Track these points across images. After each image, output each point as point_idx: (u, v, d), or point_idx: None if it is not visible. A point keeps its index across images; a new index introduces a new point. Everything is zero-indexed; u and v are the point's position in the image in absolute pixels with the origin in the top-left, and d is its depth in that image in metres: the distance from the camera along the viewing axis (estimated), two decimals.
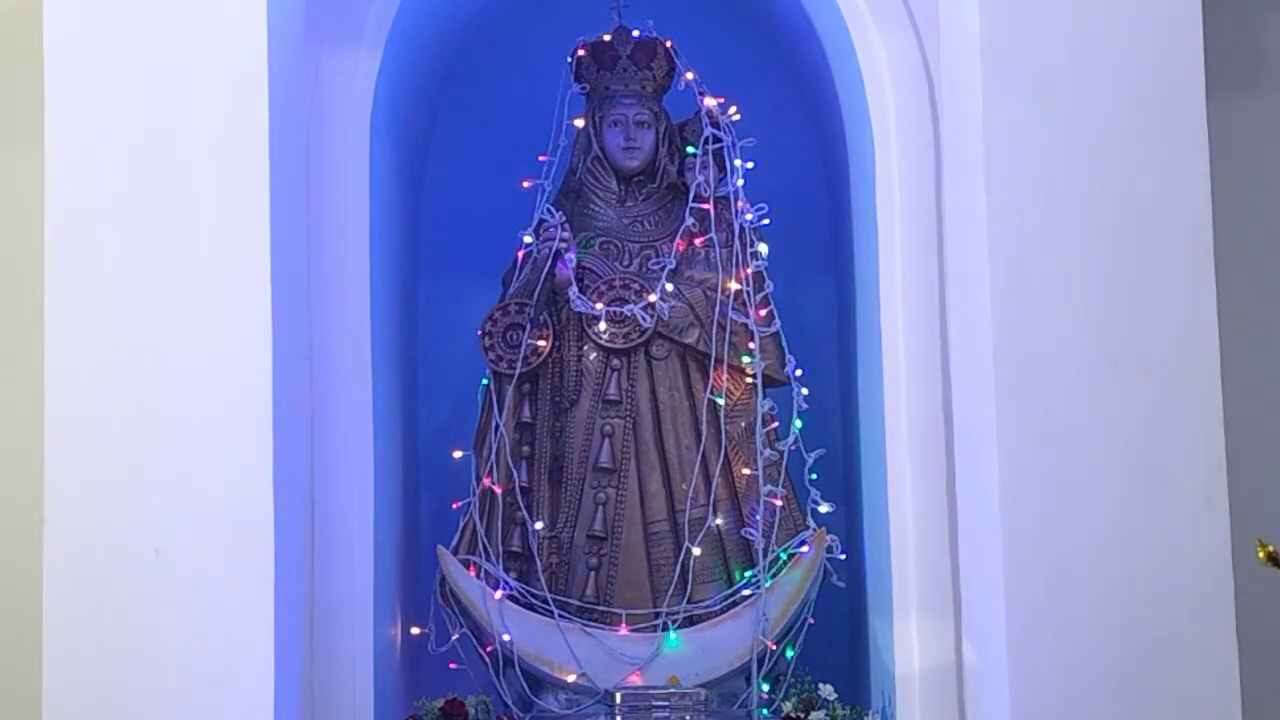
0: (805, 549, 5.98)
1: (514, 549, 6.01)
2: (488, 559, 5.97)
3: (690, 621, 5.96)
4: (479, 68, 6.72)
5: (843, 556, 6.02)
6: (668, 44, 6.25)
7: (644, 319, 6.05)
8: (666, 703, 5.80)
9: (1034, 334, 5.04)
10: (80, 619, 4.92)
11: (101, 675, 4.91)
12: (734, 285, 6.07)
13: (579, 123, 6.24)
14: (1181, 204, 5.07)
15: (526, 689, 5.92)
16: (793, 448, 6.05)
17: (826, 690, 5.81)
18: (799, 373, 6.09)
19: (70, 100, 5.08)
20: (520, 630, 5.91)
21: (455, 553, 5.98)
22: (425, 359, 6.56)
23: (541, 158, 6.18)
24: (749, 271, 6.08)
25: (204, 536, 4.95)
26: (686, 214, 6.15)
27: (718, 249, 6.12)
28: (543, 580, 5.98)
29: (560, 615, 5.93)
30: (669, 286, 6.08)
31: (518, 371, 6.05)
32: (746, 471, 6.04)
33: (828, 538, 6.01)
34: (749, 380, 6.08)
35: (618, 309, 6.07)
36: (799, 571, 5.96)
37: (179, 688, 4.91)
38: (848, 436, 6.36)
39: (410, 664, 6.10)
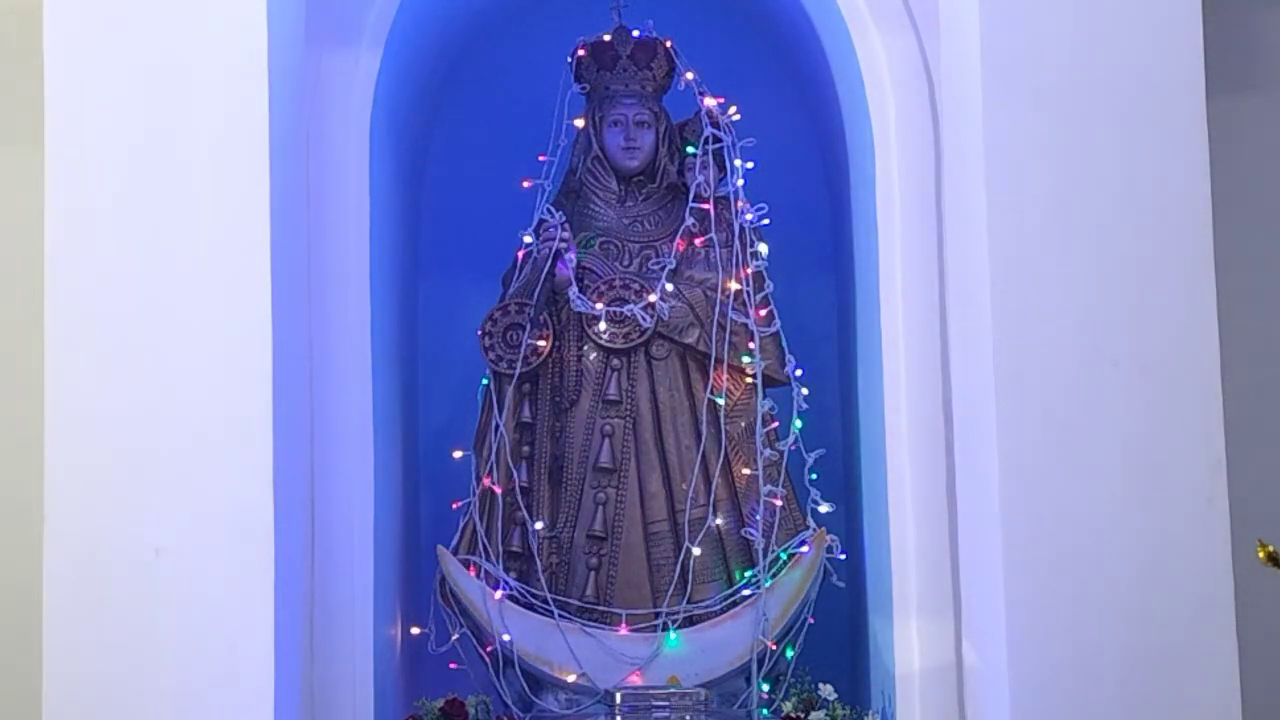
0: (805, 549, 5.98)
1: (514, 549, 6.01)
2: (488, 559, 5.97)
3: (690, 621, 5.96)
4: (479, 68, 6.72)
5: (843, 556, 6.02)
6: (668, 44, 6.25)
7: (644, 319, 6.05)
8: (666, 703, 5.80)
9: (1034, 334, 5.04)
10: (80, 619, 4.92)
11: (101, 675, 4.91)
12: (734, 285, 6.07)
13: (579, 123, 6.24)
14: (1181, 204, 5.07)
15: (526, 689, 5.92)
16: (793, 448, 6.05)
17: (826, 690, 5.81)
18: (799, 373, 6.09)
19: (70, 100, 5.08)
20: (520, 630, 5.91)
21: (455, 553, 5.98)
22: (425, 359, 6.56)
23: (541, 158, 6.18)
24: (749, 271, 6.08)
25: (204, 536, 4.95)
26: (686, 214, 6.15)
27: (718, 249, 6.12)
28: (543, 580, 5.98)
29: (560, 615, 5.93)
30: (669, 286, 6.08)
31: (518, 371, 6.05)
32: (746, 471, 6.04)
33: (828, 538, 6.01)
34: (749, 380, 6.08)
35: (618, 309, 6.07)
36: (799, 571, 5.96)
37: (179, 688, 4.91)
38: (848, 436, 6.36)
39: (410, 664, 6.10)
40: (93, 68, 5.07)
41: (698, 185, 6.16)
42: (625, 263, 6.18)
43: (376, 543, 5.67)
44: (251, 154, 5.05)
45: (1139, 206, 5.06)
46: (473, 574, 5.95)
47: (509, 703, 5.90)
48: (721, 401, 6.07)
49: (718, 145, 6.18)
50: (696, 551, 5.99)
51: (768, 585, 5.93)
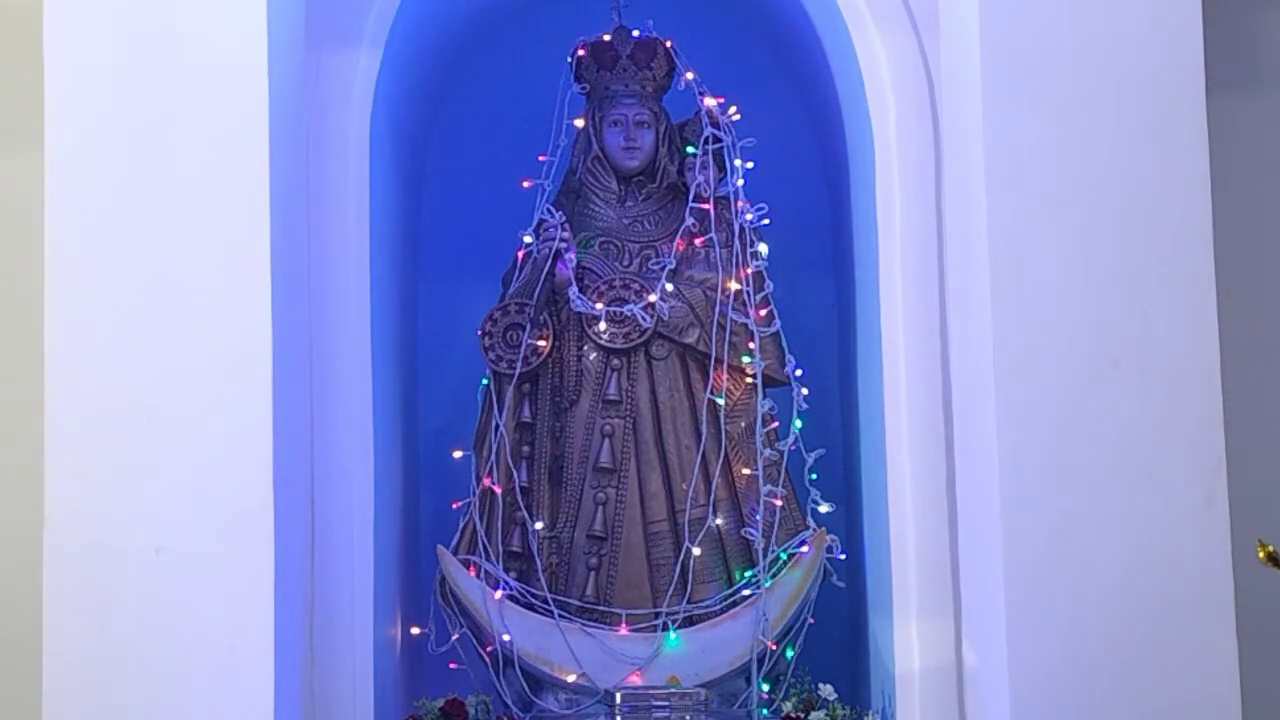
0: (805, 549, 5.98)
1: (514, 549, 6.01)
2: (488, 559, 5.97)
3: (690, 621, 5.96)
4: (479, 68, 6.72)
5: (843, 556, 6.02)
6: (668, 44, 6.25)
7: (644, 319, 6.05)
8: (666, 703, 5.80)
9: (1034, 334, 5.04)
10: (80, 619, 4.92)
11: (101, 675, 4.91)
12: (734, 285, 6.07)
13: (579, 123, 6.24)
14: (1181, 204, 5.06)
15: (526, 689, 5.92)
16: (793, 448, 6.05)
17: (826, 690, 5.81)
18: (799, 373, 6.09)
19: (70, 100, 5.07)
20: (520, 630, 5.91)
21: (455, 553, 5.98)
22: (425, 359, 6.56)
23: (541, 158, 6.19)
24: (749, 271, 6.08)
25: (204, 536, 4.95)
26: (686, 214, 6.15)
27: (718, 249, 6.12)
28: (543, 580, 5.98)
29: (560, 615, 5.93)
30: (669, 286, 6.08)
31: (518, 371, 6.05)
32: (746, 471, 6.04)
33: (828, 538, 6.01)
34: (749, 380, 6.08)
35: (618, 309, 6.07)
36: (799, 571, 5.96)
37: (179, 688, 4.91)
38: (848, 436, 6.36)
39: (410, 664, 6.10)
40: (93, 68, 5.07)
41: (698, 185, 6.16)
42: (625, 263, 6.18)
43: (376, 543, 5.66)
44: (252, 154, 5.05)
45: (1139, 206, 5.06)
46: (473, 574, 5.95)
47: (509, 703, 5.90)
48: (721, 401, 6.07)
49: (718, 145, 6.18)
50: (696, 551, 5.99)
51: (768, 585, 5.93)
